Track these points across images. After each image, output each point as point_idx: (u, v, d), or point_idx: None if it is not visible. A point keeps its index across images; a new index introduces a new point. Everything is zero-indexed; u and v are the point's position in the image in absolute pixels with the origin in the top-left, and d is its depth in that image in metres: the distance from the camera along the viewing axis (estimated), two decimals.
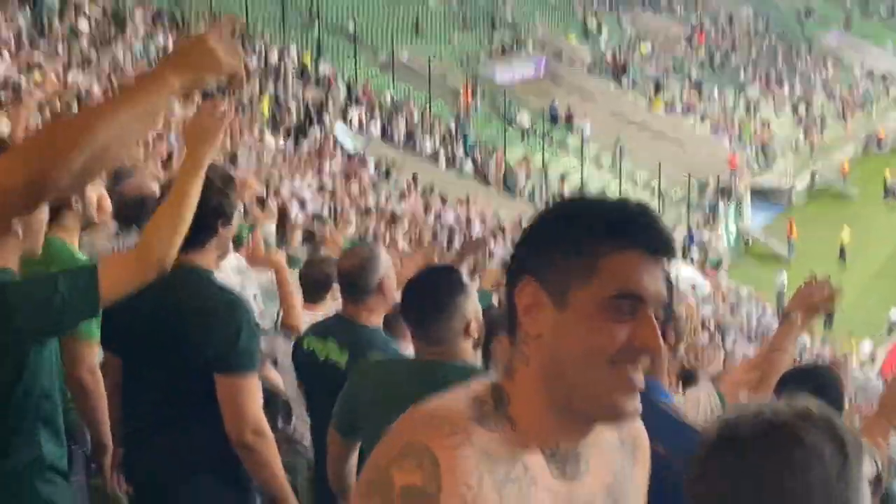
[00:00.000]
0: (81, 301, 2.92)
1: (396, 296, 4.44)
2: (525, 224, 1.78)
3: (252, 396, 3.48)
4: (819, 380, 3.84)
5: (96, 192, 4.33)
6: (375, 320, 4.40)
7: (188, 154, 3.26)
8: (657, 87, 45.59)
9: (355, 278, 4.31)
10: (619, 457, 1.86)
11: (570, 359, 1.65)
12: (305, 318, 5.47)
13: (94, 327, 3.75)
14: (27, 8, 23.78)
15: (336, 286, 5.32)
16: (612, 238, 1.66)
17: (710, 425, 1.70)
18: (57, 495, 3.04)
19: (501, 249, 22.06)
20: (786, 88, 51.07)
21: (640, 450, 1.94)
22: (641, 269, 1.66)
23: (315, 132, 28.23)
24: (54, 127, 2.15)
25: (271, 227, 13.40)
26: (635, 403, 1.69)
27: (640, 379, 1.68)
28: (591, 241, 1.66)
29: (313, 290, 5.81)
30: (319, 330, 4.47)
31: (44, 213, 3.14)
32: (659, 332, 1.66)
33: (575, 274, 1.65)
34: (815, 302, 4.08)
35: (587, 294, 1.65)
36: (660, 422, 2.62)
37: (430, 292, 3.45)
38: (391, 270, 4.43)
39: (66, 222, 4.11)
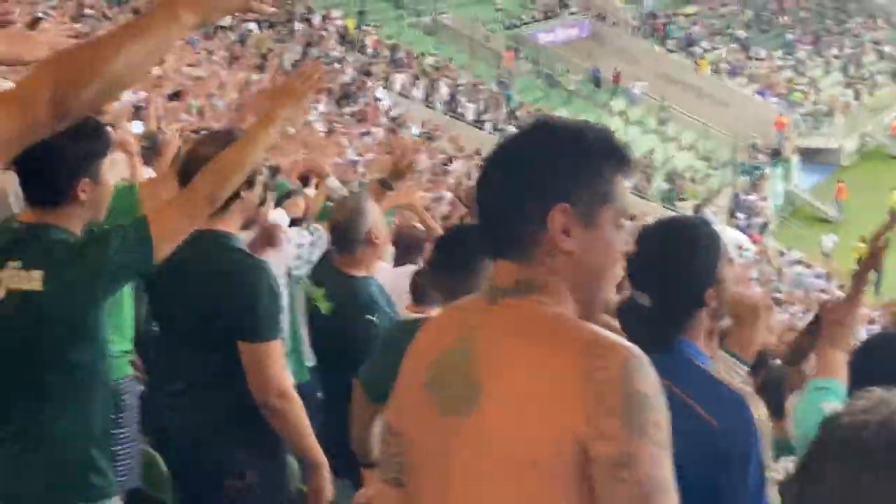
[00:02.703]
0: (134, 255, 2.97)
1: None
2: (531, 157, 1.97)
3: (275, 360, 3.48)
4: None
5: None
6: (365, 271, 4.50)
7: (269, 109, 3.30)
8: (703, 48, 45.11)
9: (344, 230, 4.42)
10: None
11: (597, 268, 1.96)
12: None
13: None
14: None
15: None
16: (618, 163, 1.97)
17: (824, 425, 1.59)
18: (102, 459, 3.12)
19: None
20: (835, 48, 50.35)
21: None
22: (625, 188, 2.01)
23: (358, 97, 28.19)
24: (72, 52, 2.15)
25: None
26: None
27: None
28: (608, 166, 1.96)
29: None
30: (316, 276, 4.64)
31: (111, 184, 3.21)
32: None
33: (600, 196, 1.94)
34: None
35: (608, 213, 1.95)
36: (706, 388, 2.59)
37: (460, 250, 3.47)
38: (380, 221, 4.55)
39: None
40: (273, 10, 2.36)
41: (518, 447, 1.81)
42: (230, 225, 3.58)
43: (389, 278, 5.24)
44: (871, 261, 3.58)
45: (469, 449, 1.87)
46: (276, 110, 3.27)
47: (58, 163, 3.02)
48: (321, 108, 25.09)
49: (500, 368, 1.87)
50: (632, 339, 2.70)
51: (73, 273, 2.95)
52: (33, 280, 2.95)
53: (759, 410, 2.54)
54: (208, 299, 3.46)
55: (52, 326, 2.98)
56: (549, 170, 1.93)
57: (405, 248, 6.20)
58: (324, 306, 4.44)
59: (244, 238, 3.70)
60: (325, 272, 4.60)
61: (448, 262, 3.53)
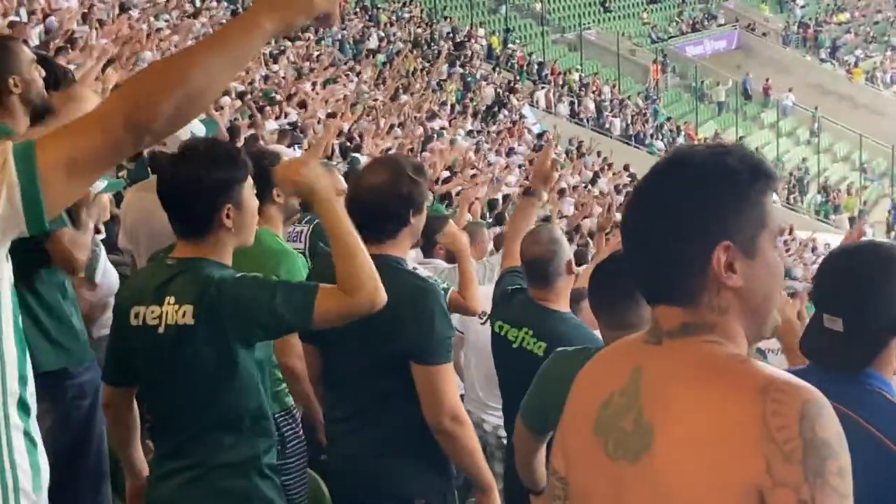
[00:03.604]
0: (292, 317, 2.99)
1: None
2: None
3: (448, 383, 3.46)
4: None
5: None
6: (564, 304, 4.41)
7: (318, 210, 3.08)
8: (856, 57, 43.90)
9: (545, 264, 4.34)
10: None
11: (764, 294, 1.87)
12: None
13: None
14: None
15: None
16: (766, 182, 1.87)
17: None
18: (271, 489, 3.19)
19: None
20: None
21: None
22: None
23: (503, 113, 28.28)
24: (148, 69, 2.09)
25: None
26: None
27: None
28: (758, 191, 1.86)
29: None
30: (512, 316, 4.48)
31: (255, 207, 3.25)
32: None
33: (756, 224, 1.85)
34: None
35: (766, 238, 1.86)
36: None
37: (622, 277, 3.42)
38: (570, 249, 4.46)
39: (270, 214, 4.18)
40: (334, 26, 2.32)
41: (692, 494, 1.75)
42: (400, 249, 3.58)
43: None
44: None
45: (640, 494, 1.82)
46: (325, 205, 3.04)
47: (196, 192, 3.08)
48: (468, 125, 25.25)
49: (672, 411, 1.80)
50: (818, 364, 2.66)
51: (224, 311, 3.00)
52: (186, 315, 3.02)
53: None
54: (383, 322, 3.48)
55: (204, 360, 3.04)
56: (703, 211, 1.84)
57: None
58: (536, 347, 4.32)
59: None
60: (524, 311, 4.45)
61: (609, 294, 3.48)
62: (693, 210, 1.84)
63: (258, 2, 2.15)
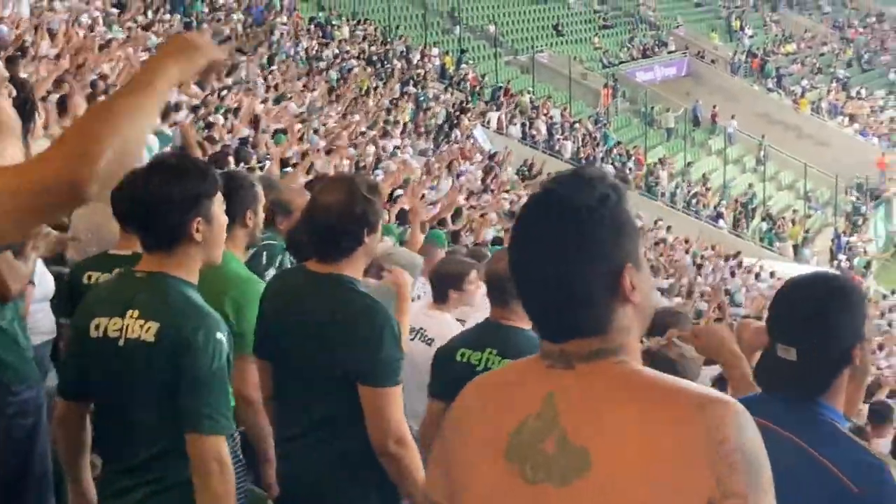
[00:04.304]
0: (185, 412, 3.04)
1: None
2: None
3: (395, 405, 3.46)
4: None
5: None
6: (527, 322, 4.36)
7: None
8: (802, 87, 44.54)
9: (507, 281, 4.27)
10: None
11: (651, 301, 1.95)
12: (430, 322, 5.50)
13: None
14: None
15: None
16: (626, 194, 1.94)
17: None
18: None
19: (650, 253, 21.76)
20: None
21: None
22: None
23: (455, 134, 28.30)
24: (80, 126, 1.96)
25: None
26: None
27: None
28: (629, 205, 1.93)
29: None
30: (472, 340, 4.41)
31: (224, 223, 3.23)
32: None
33: (637, 237, 1.93)
34: None
35: (642, 246, 1.95)
36: (845, 452, 2.51)
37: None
38: None
39: (237, 235, 4.11)
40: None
41: None
42: (354, 269, 3.59)
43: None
44: None
45: None
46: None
47: (167, 203, 3.07)
48: (421, 144, 25.24)
49: (607, 433, 1.80)
50: (770, 393, 2.68)
51: (176, 361, 3.01)
52: (149, 331, 3.01)
53: None
54: (333, 341, 3.46)
55: (163, 378, 3.03)
56: (603, 239, 1.86)
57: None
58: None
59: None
60: (484, 333, 4.38)
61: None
62: (593, 241, 1.86)
63: (161, 53, 2.10)
